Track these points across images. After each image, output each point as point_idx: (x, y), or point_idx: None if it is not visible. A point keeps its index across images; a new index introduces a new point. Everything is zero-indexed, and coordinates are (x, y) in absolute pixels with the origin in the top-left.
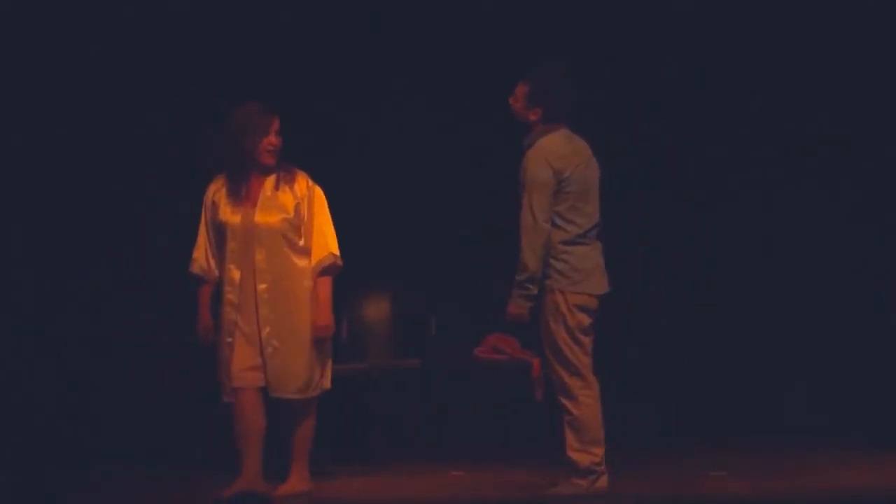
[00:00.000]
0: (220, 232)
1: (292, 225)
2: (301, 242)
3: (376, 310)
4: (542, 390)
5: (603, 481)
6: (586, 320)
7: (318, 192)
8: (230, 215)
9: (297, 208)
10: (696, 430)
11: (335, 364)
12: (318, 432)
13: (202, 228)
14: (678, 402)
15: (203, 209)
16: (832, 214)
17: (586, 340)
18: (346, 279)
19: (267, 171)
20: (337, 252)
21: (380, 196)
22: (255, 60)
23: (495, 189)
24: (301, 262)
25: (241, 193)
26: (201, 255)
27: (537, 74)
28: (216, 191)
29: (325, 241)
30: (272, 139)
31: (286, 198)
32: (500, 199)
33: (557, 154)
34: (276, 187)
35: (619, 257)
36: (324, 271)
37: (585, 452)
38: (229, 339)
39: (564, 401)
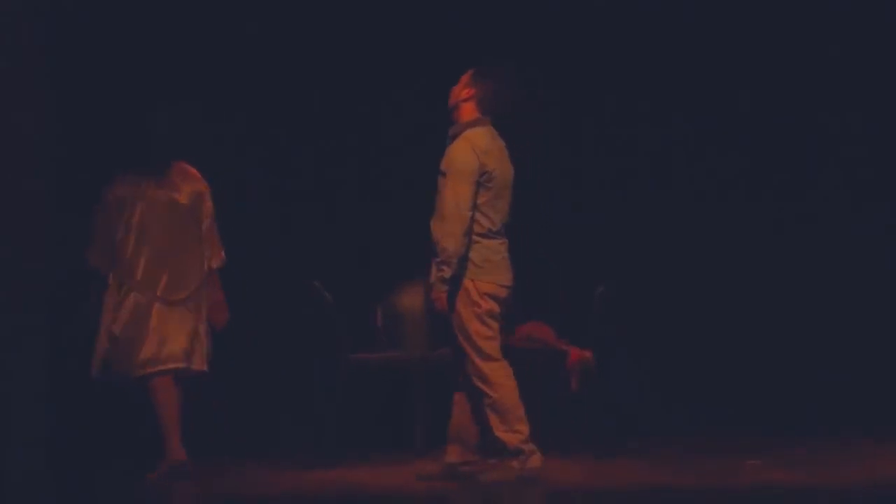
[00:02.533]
0: None
1: None
2: None
3: (410, 300)
4: (577, 379)
5: (535, 460)
6: (496, 308)
7: None
8: None
9: None
10: (698, 428)
11: (371, 353)
12: (354, 420)
13: None
14: (678, 401)
15: None
16: (834, 212)
17: (495, 325)
18: (380, 270)
19: None
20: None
21: (413, 188)
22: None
23: (527, 182)
24: None
25: None
26: None
27: (488, 63)
28: None
29: None
30: None
31: None
32: (531, 192)
33: (483, 147)
34: None
35: (618, 256)
36: None
37: (511, 432)
38: None
39: (481, 385)
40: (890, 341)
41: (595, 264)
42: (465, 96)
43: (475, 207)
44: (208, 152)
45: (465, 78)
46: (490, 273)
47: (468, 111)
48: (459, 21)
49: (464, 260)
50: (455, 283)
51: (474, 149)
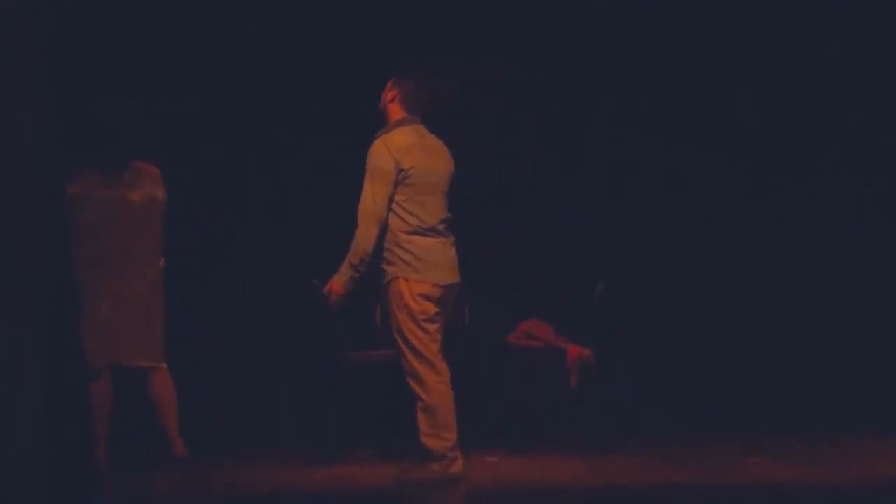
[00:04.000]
0: None
1: None
2: None
3: None
4: (577, 377)
5: (457, 466)
6: (431, 309)
7: None
8: None
9: None
10: (697, 427)
11: (371, 350)
12: (354, 419)
13: None
14: (678, 401)
15: None
16: (834, 212)
17: (432, 328)
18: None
19: None
20: None
21: None
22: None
23: (527, 180)
24: None
25: None
26: None
27: (413, 66)
28: None
29: None
30: None
31: None
32: (531, 192)
33: (401, 146)
34: None
35: (618, 256)
36: None
37: (437, 437)
38: None
39: (415, 387)
40: (890, 341)
41: (595, 264)
42: (389, 98)
43: (390, 206)
44: (208, 152)
45: (390, 82)
46: (422, 272)
47: (394, 112)
48: (459, 21)
49: (395, 258)
50: (386, 282)
51: (389, 148)
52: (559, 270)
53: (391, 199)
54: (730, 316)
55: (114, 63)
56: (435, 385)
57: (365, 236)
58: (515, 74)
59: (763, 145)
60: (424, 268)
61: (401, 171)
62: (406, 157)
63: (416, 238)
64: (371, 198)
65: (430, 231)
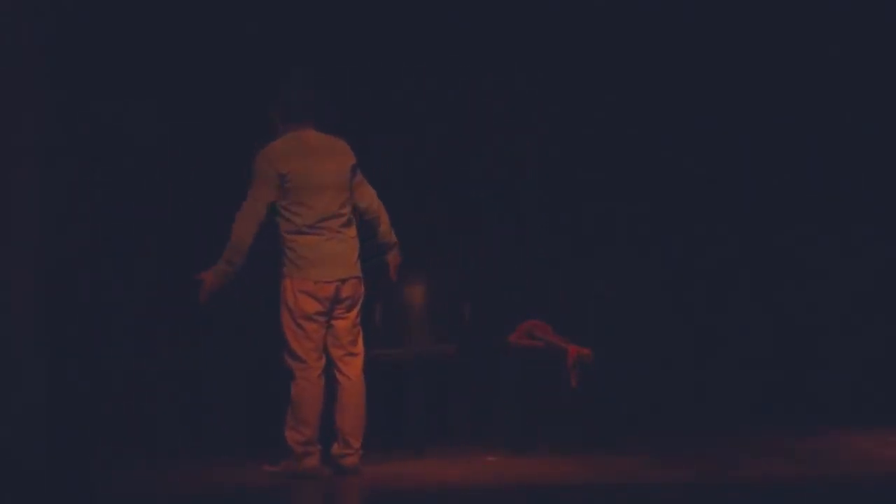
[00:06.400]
0: None
1: None
2: None
3: (410, 296)
4: (577, 377)
5: (311, 460)
6: (311, 306)
7: None
8: None
9: None
10: (697, 426)
11: (371, 349)
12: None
13: None
14: (677, 400)
15: None
16: (834, 211)
17: (308, 326)
18: (381, 266)
19: None
20: None
21: (415, 184)
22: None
23: (527, 180)
24: None
25: None
26: None
27: (281, 83)
28: None
29: None
30: None
31: None
32: (532, 188)
33: (280, 153)
34: None
35: (618, 255)
36: None
37: (294, 431)
38: None
39: (290, 381)
40: (890, 341)
41: (595, 264)
42: (275, 117)
43: (271, 208)
44: (209, 150)
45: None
46: (304, 270)
47: (280, 125)
48: (459, 21)
49: (283, 258)
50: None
51: (270, 155)
52: (559, 270)
53: (272, 202)
54: (730, 316)
55: (114, 63)
56: (301, 381)
57: (239, 234)
58: (515, 74)
59: (763, 145)
60: (306, 265)
61: (281, 175)
62: (285, 162)
63: (299, 237)
64: (248, 199)
65: (312, 230)
